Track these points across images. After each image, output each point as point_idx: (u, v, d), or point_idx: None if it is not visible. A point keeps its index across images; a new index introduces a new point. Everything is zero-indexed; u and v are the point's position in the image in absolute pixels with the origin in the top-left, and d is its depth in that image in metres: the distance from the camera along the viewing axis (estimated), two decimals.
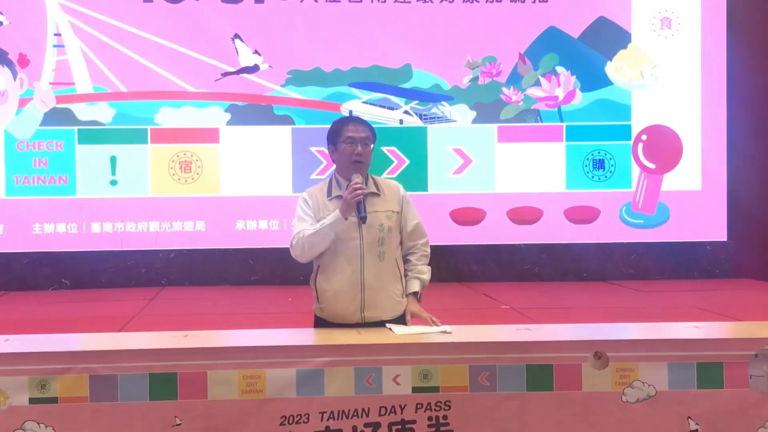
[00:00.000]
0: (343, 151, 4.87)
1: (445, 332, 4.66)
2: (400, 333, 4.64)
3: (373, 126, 5.01)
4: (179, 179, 10.78)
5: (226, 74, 10.80)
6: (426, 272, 5.04)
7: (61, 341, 4.81)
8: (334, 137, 4.93)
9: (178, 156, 10.77)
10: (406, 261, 5.04)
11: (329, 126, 5.01)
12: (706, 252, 11.31)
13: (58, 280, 10.75)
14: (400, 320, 4.93)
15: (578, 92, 11.08)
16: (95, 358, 4.22)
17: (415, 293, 4.99)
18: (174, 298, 10.15)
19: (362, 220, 4.76)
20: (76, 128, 10.67)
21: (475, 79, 11.02)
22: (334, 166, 5.00)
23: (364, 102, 10.90)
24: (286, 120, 10.84)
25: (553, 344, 4.44)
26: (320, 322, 4.98)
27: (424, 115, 10.99)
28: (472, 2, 11.00)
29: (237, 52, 10.81)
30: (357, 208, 4.74)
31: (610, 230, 11.16)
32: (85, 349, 4.48)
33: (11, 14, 10.59)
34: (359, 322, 4.85)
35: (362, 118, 5.09)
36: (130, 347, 4.38)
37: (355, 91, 10.91)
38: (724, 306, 9.12)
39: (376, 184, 4.96)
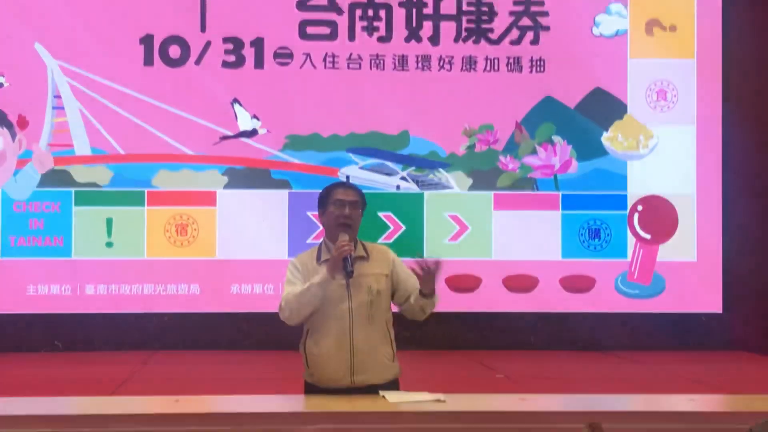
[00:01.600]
0: (331, 214, 4.93)
1: (438, 401, 4.63)
2: (393, 401, 4.61)
3: (370, 191, 5.06)
4: (175, 242, 10.77)
5: (224, 138, 10.85)
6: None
7: (52, 404, 4.77)
8: (323, 201, 4.99)
9: (174, 219, 10.77)
10: (406, 300, 5.01)
11: None
12: (701, 323, 11.28)
13: (51, 342, 10.69)
14: (392, 385, 4.91)
15: (574, 161, 11.13)
16: (86, 422, 4.19)
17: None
18: (167, 361, 10.10)
19: (349, 274, 4.78)
20: (73, 190, 10.68)
21: (472, 146, 11.07)
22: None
23: (361, 167, 10.93)
24: (283, 184, 10.86)
25: (547, 415, 4.42)
26: (310, 388, 4.95)
27: (421, 181, 11.02)
28: (469, 71, 11.09)
29: (236, 116, 10.87)
30: (343, 263, 4.76)
31: (605, 300, 11.13)
32: (75, 413, 4.45)
33: (12, 76, 10.65)
34: (349, 386, 4.83)
35: (354, 184, 5.15)
36: (121, 411, 4.35)
37: (352, 156, 10.95)
38: (719, 379, 9.08)
39: (364, 248, 5.00)
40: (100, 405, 4.76)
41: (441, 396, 4.67)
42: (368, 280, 4.90)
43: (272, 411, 4.40)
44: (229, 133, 10.86)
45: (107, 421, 4.18)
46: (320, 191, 5.07)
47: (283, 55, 10.95)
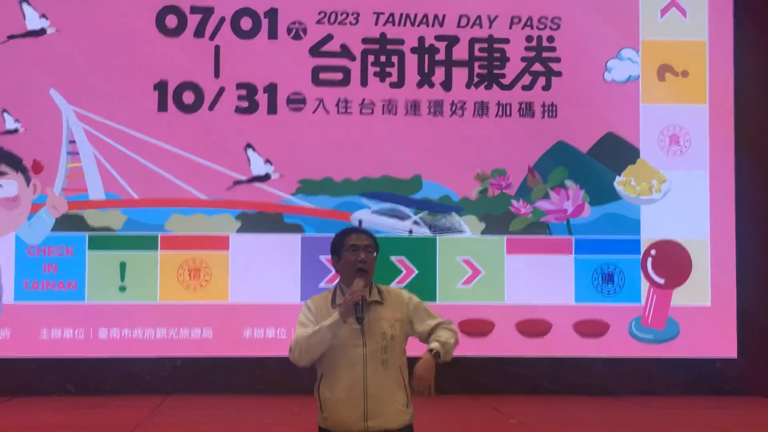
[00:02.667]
0: (346, 260, 4.93)
1: None
2: None
3: (382, 236, 5.07)
4: (188, 286, 10.78)
5: (237, 183, 10.89)
6: (446, 337, 4.95)
7: None
8: (337, 247, 4.99)
9: (187, 263, 10.79)
10: (427, 338, 5.03)
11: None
12: (716, 369, 11.21)
13: (64, 386, 10.68)
14: (406, 431, 4.89)
15: (587, 206, 11.13)
16: None
17: (431, 350, 4.91)
18: (179, 406, 10.07)
19: (358, 320, 4.78)
20: (86, 234, 10.72)
21: (484, 191, 11.09)
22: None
23: (373, 212, 10.95)
24: (295, 228, 10.88)
25: None
26: None
27: (434, 225, 11.03)
28: (482, 116, 11.13)
29: (249, 161, 10.92)
30: (354, 309, 4.76)
31: (619, 345, 11.07)
32: None
33: (27, 121, 10.74)
34: None
35: (367, 228, 5.15)
36: None
37: (365, 200, 10.98)
38: (734, 424, 9.02)
39: (380, 292, 4.99)
40: None
41: None
42: (382, 325, 4.89)
43: None
44: (242, 178, 10.90)
45: None
46: (333, 237, 5.07)
47: (296, 101, 11.02)
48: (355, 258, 4.91)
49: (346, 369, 4.85)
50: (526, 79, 11.22)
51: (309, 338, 4.81)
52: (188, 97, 10.93)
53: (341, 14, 11.11)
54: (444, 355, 4.92)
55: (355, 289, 4.77)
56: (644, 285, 11.12)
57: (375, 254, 4.99)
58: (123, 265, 10.71)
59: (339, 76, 11.10)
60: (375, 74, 11.13)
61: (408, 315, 5.02)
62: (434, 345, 4.92)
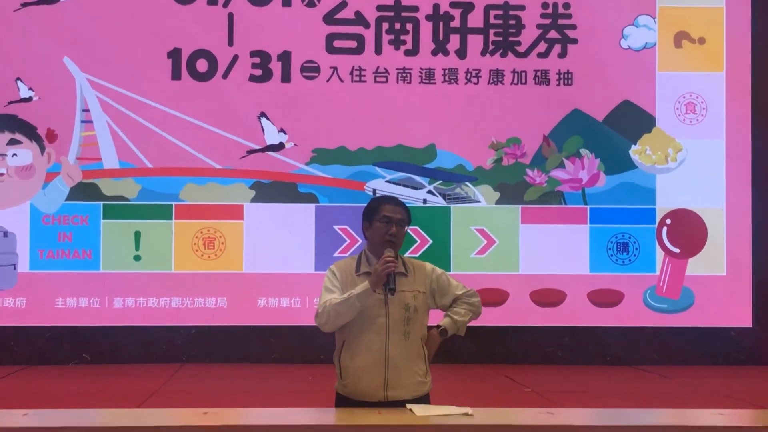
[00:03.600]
0: (377, 229, 4.94)
1: (466, 414, 4.61)
2: (420, 414, 4.59)
3: None
4: (202, 255, 10.80)
5: (251, 152, 10.88)
6: (462, 313, 5.05)
7: (80, 417, 4.78)
8: (370, 214, 5.00)
9: (201, 232, 10.80)
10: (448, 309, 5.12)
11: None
12: (731, 338, 11.19)
13: (79, 355, 10.73)
14: (423, 400, 4.91)
15: (602, 175, 11.08)
16: None
17: (437, 327, 5.02)
18: (194, 375, 10.11)
19: (391, 291, 4.80)
20: (101, 203, 10.73)
21: (499, 160, 11.05)
22: (359, 242, 5.05)
23: (387, 181, 10.92)
24: (310, 198, 10.86)
25: (575, 429, 4.39)
26: (342, 400, 4.96)
27: (448, 195, 11.01)
28: (496, 84, 11.08)
29: (263, 130, 10.90)
30: (386, 280, 4.77)
31: (634, 314, 11.06)
32: (103, 425, 4.45)
33: (41, 90, 10.73)
34: (381, 401, 4.84)
35: (402, 201, 5.14)
36: (149, 424, 4.35)
37: (379, 170, 10.94)
38: (749, 393, 9.01)
39: (404, 264, 5.01)
40: (128, 417, 4.77)
41: (469, 410, 4.65)
42: (406, 297, 4.92)
43: (302, 424, 4.39)
44: (256, 147, 10.89)
45: None
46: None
47: (310, 69, 10.98)
48: (386, 230, 4.92)
49: (368, 338, 4.87)
50: (542, 47, 11.15)
51: (337, 306, 4.82)
52: (202, 66, 10.91)
53: None
54: (455, 332, 5.03)
55: (386, 259, 4.77)
56: (659, 254, 11.09)
57: (406, 228, 5.02)
58: (138, 235, 10.73)
59: (353, 43, 11.05)
60: (389, 42, 11.07)
61: (431, 287, 5.05)
62: (445, 321, 5.04)
